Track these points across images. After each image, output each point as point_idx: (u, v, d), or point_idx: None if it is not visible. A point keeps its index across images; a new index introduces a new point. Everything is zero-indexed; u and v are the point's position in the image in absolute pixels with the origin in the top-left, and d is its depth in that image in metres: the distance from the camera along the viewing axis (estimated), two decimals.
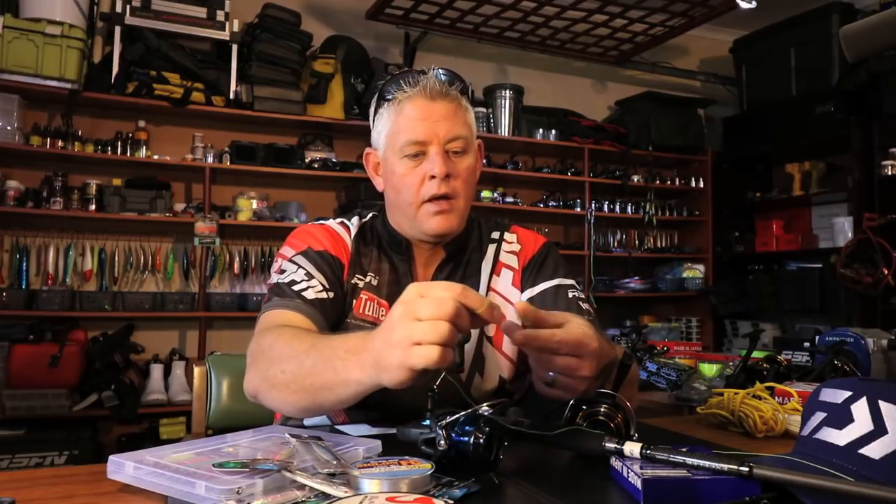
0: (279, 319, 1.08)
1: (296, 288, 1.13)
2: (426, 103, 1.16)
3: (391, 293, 1.22)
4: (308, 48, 3.86)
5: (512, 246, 1.32)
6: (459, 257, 1.28)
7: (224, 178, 3.81)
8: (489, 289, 1.27)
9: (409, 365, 0.75)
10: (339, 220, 1.29)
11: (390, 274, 1.25)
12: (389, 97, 1.19)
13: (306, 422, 1.23)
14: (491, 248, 1.31)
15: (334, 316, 1.16)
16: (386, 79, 1.22)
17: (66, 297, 3.33)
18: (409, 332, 0.75)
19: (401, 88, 1.17)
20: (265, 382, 0.97)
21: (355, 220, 1.29)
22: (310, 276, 1.16)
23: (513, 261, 1.30)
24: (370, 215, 1.31)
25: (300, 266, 1.17)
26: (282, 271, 1.18)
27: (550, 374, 0.86)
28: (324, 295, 1.15)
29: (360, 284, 1.22)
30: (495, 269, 1.29)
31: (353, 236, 1.26)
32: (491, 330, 1.25)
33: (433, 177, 1.15)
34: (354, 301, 1.21)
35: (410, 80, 1.17)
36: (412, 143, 1.16)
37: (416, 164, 1.17)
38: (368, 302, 1.21)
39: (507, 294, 1.27)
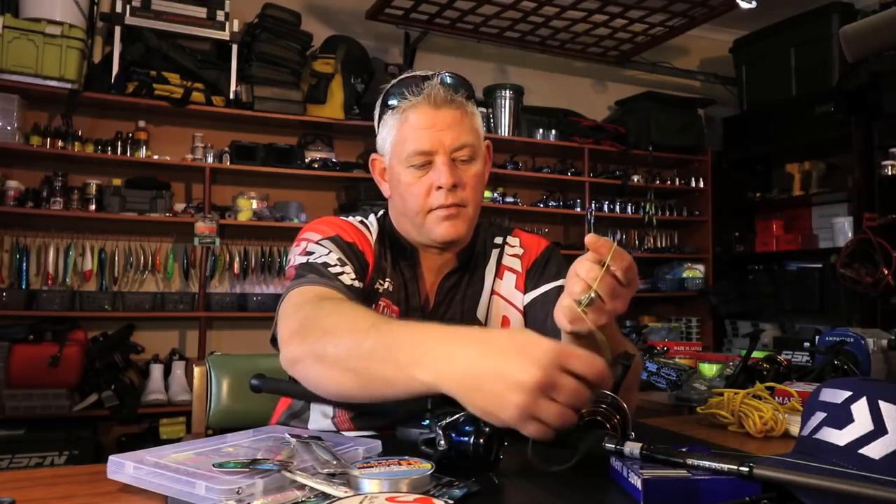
0: (328, 294, 1.01)
1: (332, 270, 1.07)
2: (431, 112, 1.13)
3: (399, 299, 1.20)
4: (308, 48, 3.86)
5: (515, 249, 1.31)
6: (467, 265, 1.26)
7: (224, 178, 3.80)
8: (493, 292, 1.26)
9: (514, 424, 0.73)
10: (357, 218, 1.24)
11: (399, 279, 1.22)
12: (393, 105, 1.15)
13: (310, 425, 1.21)
14: (494, 253, 1.30)
15: None
16: (389, 84, 1.19)
17: (66, 297, 3.33)
18: (534, 407, 0.71)
19: (404, 96, 1.14)
20: (311, 354, 0.88)
21: (372, 218, 1.25)
22: (343, 262, 1.11)
23: (516, 264, 1.29)
24: (381, 214, 1.28)
25: (331, 250, 1.12)
26: (309, 253, 1.11)
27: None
28: (358, 284, 1.10)
29: (380, 290, 1.19)
30: (498, 272, 1.28)
31: (375, 237, 1.22)
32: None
33: (440, 187, 1.13)
34: (374, 307, 1.16)
35: (414, 87, 1.13)
36: (418, 153, 1.13)
37: (422, 173, 1.14)
38: (385, 309, 1.18)
39: (510, 297, 1.26)
